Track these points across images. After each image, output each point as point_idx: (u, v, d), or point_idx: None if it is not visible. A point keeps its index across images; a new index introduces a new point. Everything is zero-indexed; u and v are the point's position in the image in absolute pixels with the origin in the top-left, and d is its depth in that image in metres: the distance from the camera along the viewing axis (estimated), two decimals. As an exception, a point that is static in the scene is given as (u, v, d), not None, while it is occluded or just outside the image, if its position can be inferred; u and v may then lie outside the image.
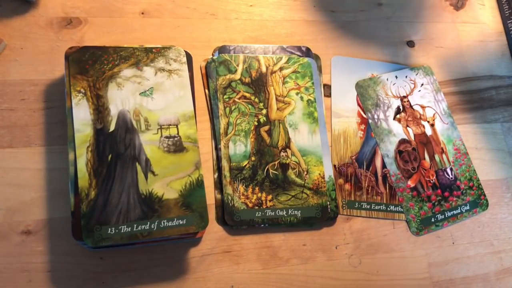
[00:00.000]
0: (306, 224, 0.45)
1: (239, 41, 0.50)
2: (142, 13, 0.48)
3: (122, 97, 0.41)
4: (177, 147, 0.41)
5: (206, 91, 0.47)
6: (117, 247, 0.39)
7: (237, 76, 0.47)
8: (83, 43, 0.45)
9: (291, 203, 0.45)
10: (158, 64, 0.43)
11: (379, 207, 0.48)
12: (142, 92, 0.42)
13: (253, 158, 0.45)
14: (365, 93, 0.52)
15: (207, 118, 0.46)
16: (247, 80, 0.48)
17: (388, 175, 0.49)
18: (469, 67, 0.57)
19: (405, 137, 0.51)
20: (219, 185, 0.44)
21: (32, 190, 0.40)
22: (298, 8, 0.54)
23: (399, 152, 0.50)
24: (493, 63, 0.58)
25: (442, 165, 0.51)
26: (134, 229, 0.37)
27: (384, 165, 0.49)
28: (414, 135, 0.51)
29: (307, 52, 0.51)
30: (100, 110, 0.40)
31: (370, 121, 0.51)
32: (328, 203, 0.45)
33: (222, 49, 0.48)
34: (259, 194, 0.44)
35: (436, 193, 0.50)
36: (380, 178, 0.49)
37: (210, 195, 0.44)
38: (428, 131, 0.52)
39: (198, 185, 0.40)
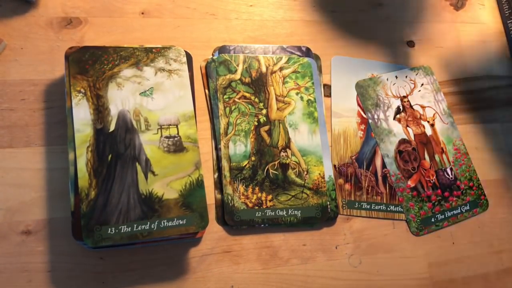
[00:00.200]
0: (306, 224, 0.45)
1: (239, 41, 0.50)
2: (142, 13, 0.48)
3: (122, 97, 0.41)
4: (177, 147, 0.41)
5: (206, 91, 0.47)
6: (117, 247, 0.39)
7: (237, 76, 0.47)
8: (83, 43, 0.45)
9: (291, 203, 0.45)
10: (158, 64, 0.43)
11: (379, 207, 0.48)
12: (142, 92, 0.42)
13: (253, 158, 0.45)
14: (365, 93, 0.52)
15: (207, 118, 0.46)
16: (247, 80, 0.48)
17: (388, 175, 0.49)
18: (469, 67, 0.57)
19: (405, 137, 0.51)
20: (219, 185, 0.44)
21: (32, 190, 0.40)
22: (298, 8, 0.54)
23: (399, 152, 0.50)
24: (493, 63, 0.58)
25: (442, 165, 0.51)
26: (134, 229, 0.37)
27: (384, 165, 0.49)
28: (414, 135, 0.51)
29: (307, 52, 0.51)
30: (100, 110, 0.40)
31: (370, 121, 0.51)
32: (328, 203, 0.45)
33: (222, 49, 0.48)
34: (259, 194, 0.44)
35: (436, 193, 0.50)
36: (380, 178, 0.49)
37: (210, 195, 0.44)
38: (428, 131, 0.52)
39: (198, 185, 0.40)
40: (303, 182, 0.46)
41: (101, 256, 0.40)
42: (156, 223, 0.38)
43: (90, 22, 0.46)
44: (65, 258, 0.39)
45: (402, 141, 0.51)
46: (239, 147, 0.45)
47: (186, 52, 0.45)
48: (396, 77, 0.53)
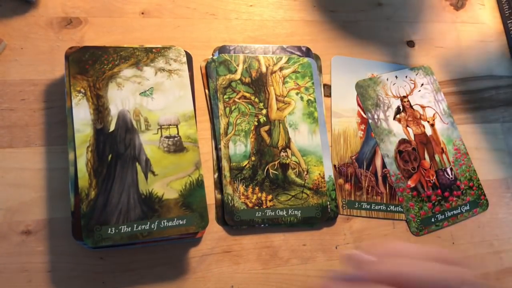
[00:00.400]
0: (306, 224, 0.45)
1: (239, 41, 0.50)
2: (142, 13, 0.48)
3: (122, 97, 0.41)
4: (177, 147, 0.41)
5: (206, 91, 0.47)
6: (117, 247, 0.39)
7: (237, 76, 0.47)
8: (83, 43, 0.45)
9: (291, 203, 0.44)
10: (158, 64, 0.43)
11: (379, 207, 0.48)
12: (142, 92, 0.42)
13: (253, 158, 0.45)
14: (365, 93, 0.52)
15: (207, 118, 0.46)
16: (247, 80, 0.48)
17: (388, 175, 0.49)
18: (469, 67, 0.57)
19: (405, 137, 0.51)
20: (219, 185, 0.44)
21: (32, 190, 0.40)
22: (298, 8, 0.54)
23: (399, 152, 0.50)
24: (493, 63, 0.58)
25: (442, 165, 0.51)
26: (134, 229, 0.37)
27: (384, 165, 0.49)
28: (414, 135, 0.51)
29: (307, 52, 0.51)
30: (100, 110, 0.40)
31: (370, 121, 0.51)
32: (328, 203, 0.45)
33: (222, 49, 0.48)
34: (259, 194, 0.44)
35: (436, 193, 0.50)
36: (380, 178, 0.49)
37: (210, 195, 0.44)
38: (428, 131, 0.52)
39: (198, 185, 0.40)
40: (303, 182, 0.46)
41: (101, 256, 0.39)
42: (156, 223, 0.38)
43: (90, 22, 0.46)
44: (65, 258, 0.39)
45: (402, 141, 0.51)
46: (239, 147, 0.45)
47: (186, 52, 0.45)
48: (396, 77, 0.53)
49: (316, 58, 0.51)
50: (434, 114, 0.53)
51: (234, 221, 0.43)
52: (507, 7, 0.60)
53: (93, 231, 0.36)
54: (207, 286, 0.41)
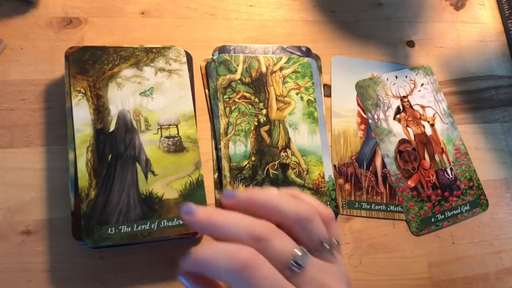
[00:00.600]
0: (306, 224, 0.45)
1: (239, 41, 0.50)
2: (142, 13, 0.48)
3: (122, 97, 0.41)
4: (177, 147, 0.41)
5: (206, 91, 0.47)
6: (117, 247, 0.39)
7: (237, 76, 0.47)
8: (83, 43, 0.45)
9: (291, 203, 0.44)
10: (158, 64, 0.43)
11: (379, 207, 0.48)
12: (142, 92, 0.42)
13: (253, 158, 0.45)
14: (365, 93, 0.52)
15: (207, 118, 0.46)
16: (247, 80, 0.48)
17: (388, 175, 0.49)
18: (469, 67, 0.57)
19: (405, 137, 0.51)
20: (219, 185, 0.44)
21: (32, 190, 0.40)
22: (298, 8, 0.54)
23: (399, 152, 0.50)
24: (493, 63, 0.58)
25: (442, 165, 0.51)
26: (134, 229, 0.37)
27: (384, 165, 0.49)
28: (414, 135, 0.51)
29: (307, 52, 0.51)
30: (100, 110, 0.40)
31: (370, 121, 0.51)
32: (328, 203, 0.45)
33: (222, 49, 0.48)
34: (259, 194, 0.44)
35: (436, 193, 0.50)
36: (380, 178, 0.49)
37: (210, 195, 0.44)
38: (428, 131, 0.52)
39: (198, 185, 0.40)
40: (303, 182, 0.46)
41: (101, 256, 0.39)
42: (156, 223, 0.38)
43: (90, 22, 0.46)
44: (65, 258, 0.39)
45: (402, 141, 0.51)
46: (239, 147, 0.45)
47: (186, 52, 0.45)
48: (396, 77, 0.53)
49: (316, 58, 0.51)
50: (434, 114, 0.53)
51: (234, 221, 0.43)
52: (507, 7, 0.60)
53: (93, 231, 0.37)
54: (207, 286, 0.41)
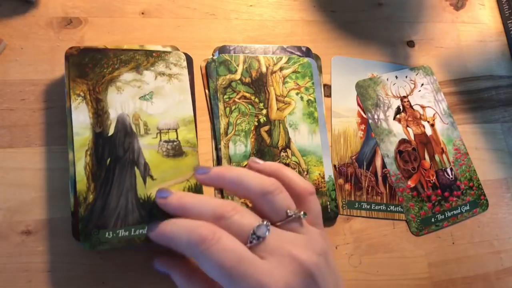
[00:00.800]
0: (306, 224, 0.45)
1: (239, 41, 0.50)
2: (142, 13, 0.48)
3: (121, 101, 0.41)
4: (176, 151, 0.41)
5: (206, 91, 0.47)
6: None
7: (237, 76, 0.47)
8: (83, 43, 0.45)
9: (291, 203, 0.44)
10: (158, 68, 0.43)
11: (379, 207, 0.48)
12: (142, 96, 0.42)
13: (253, 158, 0.45)
14: (365, 93, 0.52)
15: (207, 118, 0.46)
16: (247, 80, 0.48)
17: (388, 175, 0.49)
18: (469, 67, 0.57)
19: (405, 137, 0.51)
20: (219, 185, 0.44)
21: (32, 190, 0.40)
22: (298, 8, 0.54)
23: (399, 152, 0.50)
24: (493, 63, 0.58)
25: (442, 165, 0.51)
26: (132, 234, 0.37)
27: (384, 165, 0.49)
28: (414, 135, 0.51)
29: (307, 52, 0.51)
30: (99, 113, 0.40)
31: (370, 121, 0.51)
32: (328, 203, 0.45)
33: (222, 49, 0.48)
34: (259, 194, 0.44)
35: (436, 193, 0.50)
36: (380, 178, 0.49)
37: (210, 195, 0.44)
38: (428, 131, 0.52)
39: (196, 190, 0.40)
40: (303, 182, 0.45)
41: (101, 256, 0.39)
42: None
43: (90, 22, 0.46)
44: (65, 258, 0.39)
45: (402, 141, 0.51)
46: (239, 147, 0.45)
47: (186, 54, 0.45)
48: (396, 77, 0.53)
49: (316, 58, 0.51)
50: (434, 114, 0.53)
51: (234, 221, 0.43)
52: (507, 7, 0.60)
53: (90, 235, 0.36)
54: (207, 286, 0.41)
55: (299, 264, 0.29)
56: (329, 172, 0.47)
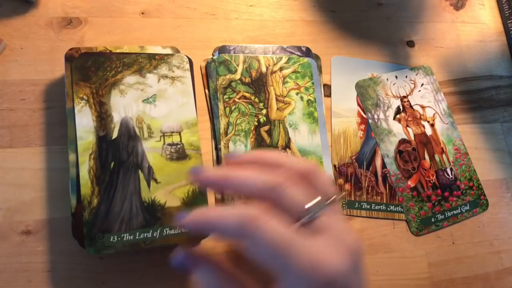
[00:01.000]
0: (306, 224, 0.45)
1: (239, 41, 0.50)
2: (142, 13, 0.48)
3: (125, 104, 0.41)
4: (179, 154, 0.41)
5: (206, 91, 0.47)
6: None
7: (237, 76, 0.47)
8: (83, 43, 0.45)
9: (291, 203, 0.44)
10: (161, 71, 0.43)
11: (379, 207, 0.48)
12: (145, 99, 0.42)
13: (253, 158, 0.45)
14: (365, 93, 0.52)
15: (207, 118, 0.46)
16: (247, 80, 0.48)
17: (388, 175, 0.49)
18: (469, 67, 0.57)
19: (405, 137, 0.51)
20: (219, 185, 0.44)
21: (32, 190, 0.40)
22: (298, 8, 0.54)
23: (399, 152, 0.50)
24: (493, 63, 0.58)
25: (442, 165, 0.51)
26: (137, 237, 0.37)
27: (384, 165, 0.49)
28: (414, 135, 0.51)
29: (307, 52, 0.51)
30: (103, 117, 0.40)
31: (370, 121, 0.51)
32: (328, 203, 0.45)
33: (222, 49, 0.48)
34: (259, 194, 0.44)
35: (436, 193, 0.50)
36: (380, 178, 0.49)
37: (210, 195, 0.44)
38: (428, 131, 0.52)
39: (200, 193, 0.40)
40: (303, 182, 0.45)
41: (101, 256, 0.39)
42: (158, 231, 0.38)
43: (90, 22, 0.46)
44: (65, 258, 0.39)
45: (402, 141, 0.51)
46: (239, 147, 0.45)
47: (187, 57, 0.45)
48: (396, 77, 0.53)
49: (316, 58, 0.51)
50: (434, 114, 0.53)
51: (234, 221, 0.43)
52: (507, 7, 0.60)
53: (95, 239, 0.36)
54: (207, 286, 0.41)
55: (349, 245, 0.29)
56: (329, 172, 0.47)
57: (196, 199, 0.40)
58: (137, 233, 0.37)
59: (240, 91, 0.47)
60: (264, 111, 0.47)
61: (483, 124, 0.55)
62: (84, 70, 0.41)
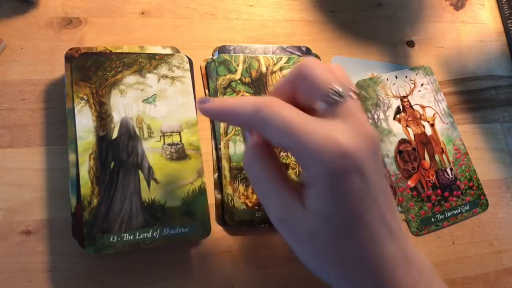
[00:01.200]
0: (306, 224, 0.45)
1: (239, 41, 0.50)
2: (142, 13, 0.48)
3: (125, 104, 0.41)
4: (179, 154, 0.41)
5: (206, 91, 0.47)
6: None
7: (237, 76, 0.47)
8: (83, 43, 0.45)
9: (291, 203, 0.44)
10: (161, 71, 0.43)
11: (379, 207, 0.48)
12: (145, 99, 0.42)
13: (253, 158, 0.45)
14: (365, 93, 0.52)
15: (207, 118, 0.46)
16: (247, 80, 0.48)
17: (388, 175, 0.49)
18: (469, 67, 0.57)
19: (405, 137, 0.51)
20: (219, 185, 0.44)
21: (32, 190, 0.40)
22: (298, 8, 0.54)
23: (399, 152, 0.50)
24: (493, 63, 0.58)
25: (442, 165, 0.51)
26: (137, 237, 0.37)
27: (384, 165, 0.49)
28: (414, 135, 0.51)
29: (307, 52, 0.51)
30: (102, 117, 0.40)
31: (370, 121, 0.51)
32: (328, 203, 0.45)
33: (222, 49, 0.48)
34: (259, 194, 0.44)
35: (436, 193, 0.50)
36: (380, 178, 0.49)
37: (210, 195, 0.44)
38: (428, 131, 0.52)
39: (200, 193, 0.40)
40: (303, 182, 0.45)
41: (101, 256, 0.39)
42: (158, 231, 0.38)
43: (90, 22, 0.46)
44: (65, 258, 0.39)
45: (402, 141, 0.51)
46: (239, 147, 0.45)
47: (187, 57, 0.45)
48: (396, 77, 0.53)
49: (316, 58, 0.51)
50: (434, 114, 0.53)
51: (234, 221, 0.43)
52: (507, 7, 0.60)
53: (95, 239, 0.36)
54: (207, 286, 0.41)
55: (368, 132, 0.28)
56: (329, 172, 0.47)
57: (196, 199, 0.40)
58: (137, 233, 0.37)
59: (240, 91, 0.47)
60: (264, 111, 0.47)
61: (483, 124, 0.55)
62: (84, 70, 0.41)
